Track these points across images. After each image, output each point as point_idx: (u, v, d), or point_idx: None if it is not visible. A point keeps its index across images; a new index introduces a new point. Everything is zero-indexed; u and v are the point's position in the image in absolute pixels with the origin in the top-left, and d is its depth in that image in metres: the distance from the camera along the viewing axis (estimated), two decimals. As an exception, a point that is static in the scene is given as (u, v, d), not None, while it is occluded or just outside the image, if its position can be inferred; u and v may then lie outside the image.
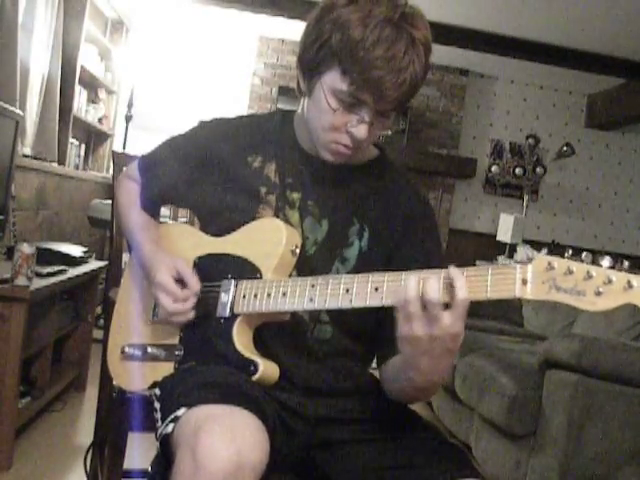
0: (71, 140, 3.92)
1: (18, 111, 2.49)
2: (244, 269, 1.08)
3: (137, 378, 1.15)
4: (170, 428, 0.90)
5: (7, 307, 2.02)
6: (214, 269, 1.11)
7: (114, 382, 1.21)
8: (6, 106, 2.33)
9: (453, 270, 0.86)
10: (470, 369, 2.76)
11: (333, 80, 1.00)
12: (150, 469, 0.97)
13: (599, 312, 0.76)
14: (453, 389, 2.88)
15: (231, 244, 1.12)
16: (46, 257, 2.43)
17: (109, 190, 4.30)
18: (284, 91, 4.93)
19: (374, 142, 1.15)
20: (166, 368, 1.11)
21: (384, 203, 1.15)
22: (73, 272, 2.52)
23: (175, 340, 1.13)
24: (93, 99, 4.53)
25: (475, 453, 2.60)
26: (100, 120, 4.58)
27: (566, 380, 2.16)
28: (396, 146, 4.95)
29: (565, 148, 5.13)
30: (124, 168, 1.63)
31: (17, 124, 2.38)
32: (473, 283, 0.83)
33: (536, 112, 5.44)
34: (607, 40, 4.13)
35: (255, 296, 1.03)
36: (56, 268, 2.40)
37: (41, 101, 3.34)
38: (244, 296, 1.05)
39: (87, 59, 4.04)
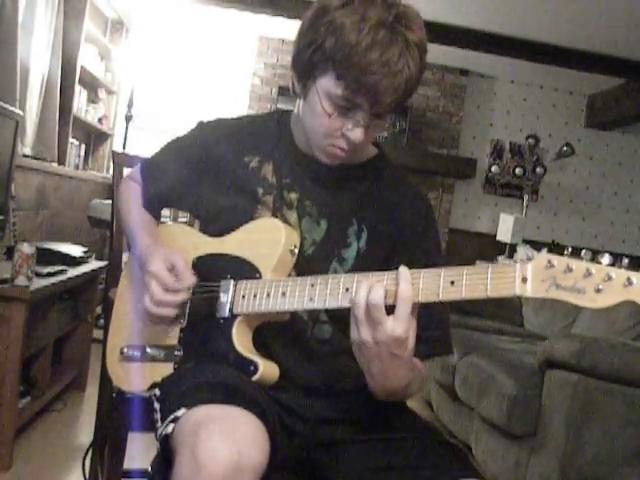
0: (71, 140, 3.92)
1: (18, 111, 2.49)
2: (243, 269, 1.08)
3: (136, 379, 1.15)
4: (170, 428, 0.90)
5: (7, 307, 2.02)
6: (213, 269, 1.11)
7: (113, 383, 1.20)
8: (6, 106, 2.33)
9: (401, 271, 0.87)
10: (470, 369, 2.76)
11: (328, 84, 0.99)
12: (150, 469, 0.97)
13: (599, 309, 0.76)
14: (453, 389, 2.88)
15: (230, 244, 1.12)
16: (46, 257, 2.43)
17: (109, 190, 4.30)
18: (284, 91, 4.93)
19: (372, 142, 1.15)
20: (165, 369, 1.11)
21: (383, 203, 1.14)
22: (73, 272, 2.52)
23: (174, 341, 1.12)
24: (93, 99, 4.53)
25: (475, 453, 2.60)
26: (100, 120, 4.58)
27: (566, 380, 2.16)
28: (396, 146, 4.95)
29: (565, 148, 5.13)
30: (124, 168, 1.64)
31: (17, 124, 2.38)
32: (473, 281, 0.83)
33: (536, 112, 5.44)
34: (607, 40, 4.13)
35: (254, 296, 1.03)
36: (56, 268, 2.40)
37: (41, 101, 3.34)
38: (243, 296, 1.05)
39: (87, 59, 4.04)
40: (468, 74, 5.27)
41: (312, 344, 1.09)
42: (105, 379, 1.53)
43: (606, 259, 0.75)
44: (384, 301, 0.86)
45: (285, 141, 1.16)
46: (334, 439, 1.07)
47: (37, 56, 3.23)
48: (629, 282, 0.73)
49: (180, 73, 5.02)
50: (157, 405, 1.02)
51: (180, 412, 0.90)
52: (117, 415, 1.35)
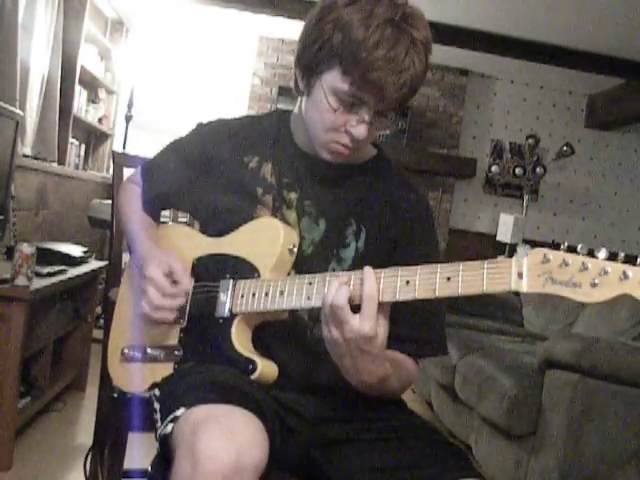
0: (71, 140, 3.92)
1: (18, 111, 2.49)
2: (242, 269, 1.08)
3: (137, 379, 1.15)
4: (169, 428, 0.90)
5: (7, 307, 2.02)
6: (213, 269, 1.12)
7: (114, 383, 1.21)
8: (6, 106, 2.33)
9: (366, 270, 0.89)
10: (470, 369, 2.76)
11: (333, 80, 1.00)
12: (150, 469, 0.97)
13: (595, 304, 0.75)
14: (453, 389, 2.88)
15: (229, 244, 1.12)
16: (46, 257, 2.44)
17: (109, 190, 4.30)
18: (284, 91, 4.93)
19: (372, 142, 1.15)
20: (166, 369, 1.11)
21: (382, 203, 1.15)
22: (73, 272, 2.52)
23: (174, 341, 1.13)
24: (93, 99, 4.53)
25: (475, 453, 2.60)
26: (100, 120, 4.58)
27: (566, 380, 2.16)
28: (396, 146, 4.95)
29: (565, 148, 5.13)
30: (124, 168, 1.63)
31: (17, 124, 2.38)
32: (469, 277, 0.83)
33: (536, 112, 5.44)
34: (607, 40, 4.13)
35: (253, 295, 1.03)
36: (56, 268, 2.40)
37: (41, 101, 3.34)
38: (242, 296, 1.05)
39: (87, 59, 4.04)
40: (468, 74, 5.27)
41: (312, 343, 1.09)
42: (105, 379, 1.53)
43: (602, 253, 0.75)
44: (351, 300, 0.89)
45: (285, 141, 1.17)
46: (334, 438, 1.07)
47: (37, 56, 3.23)
48: (625, 276, 0.73)
49: (180, 73, 5.02)
50: (157, 405, 1.02)
51: (179, 412, 0.90)
52: (117, 415, 1.35)
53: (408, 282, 0.87)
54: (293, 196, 1.13)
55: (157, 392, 1.06)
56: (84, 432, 2.50)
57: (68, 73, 3.70)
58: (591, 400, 2.12)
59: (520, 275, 0.79)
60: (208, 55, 5.06)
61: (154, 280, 1.07)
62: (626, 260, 0.74)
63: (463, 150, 5.33)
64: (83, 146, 4.36)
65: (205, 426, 0.83)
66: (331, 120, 1.02)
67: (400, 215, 1.14)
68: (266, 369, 1.02)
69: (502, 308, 3.94)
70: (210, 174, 1.17)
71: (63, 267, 2.48)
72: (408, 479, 0.96)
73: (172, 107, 4.92)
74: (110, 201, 1.60)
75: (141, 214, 1.27)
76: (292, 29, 4.66)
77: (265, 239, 1.07)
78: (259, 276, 1.06)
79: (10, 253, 2.28)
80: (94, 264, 2.86)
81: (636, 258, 0.73)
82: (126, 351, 1.18)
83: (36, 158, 3.21)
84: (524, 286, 0.78)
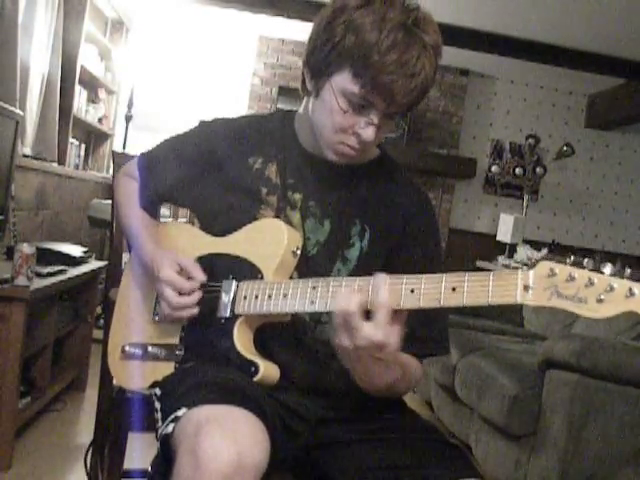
0: (71, 140, 3.92)
1: (18, 111, 2.49)
2: (245, 270, 1.08)
3: (137, 377, 1.15)
4: (170, 428, 0.90)
5: (7, 307, 2.02)
6: (215, 269, 1.11)
7: (114, 381, 1.21)
8: (6, 106, 2.33)
9: (377, 278, 0.88)
10: (470, 369, 2.76)
11: (344, 82, 1.00)
12: (150, 469, 0.97)
13: (601, 319, 0.76)
14: (453, 389, 2.88)
15: (232, 244, 1.12)
16: (46, 257, 2.43)
17: (109, 190, 4.30)
18: (284, 91, 4.93)
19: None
20: (166, 368, 1.11)
21: (386, 203, 1.15)
22: (73, 272, 2.52)
23: (176, 340, 1.13)
24: (93, 99, 4.52)
25: (475, 453, 2.60)
26: (100, 120, 4.57)
27: (566, 380, 2.16)
28: (396, 146, 4.95)
29: (565, 148, 5.13)
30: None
31: (17, 124, 2.38)
32: (474, 288, 0.83)
33: (536, 112, 5.44)
34: (607, 40, 4.13)
35: (256, 297, 1.03)
36: (56, 268, 2.40)
37: (41, 101, 3.34)
38: (245, 297, 1.05)
39: (87, 59, 4.04)
40: (468, 74, 5.27)
41: (313, 345, 1.09)
42: (105, 379, 1.53)
43: (608, 269, 0.75)
44: (364, 308, 0.87)
45: (289, 141, 1.16)
46: (335, 439, 1.07)
47: (37, 56, 3.22)
48: (631, 293, 0.73)
49: (180, 73, 5.02)
50: (158, 405, 1.02)
51: (181, 412, 0.90)
52: (117, 415, 1.35)
53: (413, 290, 0.87)
54: (297, 197, 1.13)
55: (158, 391, 1.06)
56: (84, 432, 2.50)
57: (68, 73, 3.69)
58: (591, 400, 2.12)
59: (526, 288, 0.79)
60: (208, 55, 5.06)
61: (170, 280, 1.08)
62: (632, 275, 0.74)
63: (463, 150, 5.33)
64: (83, 146, 4.36)
65: (207, 427, 0.83)
66: (339, 121, 1.02)
67: (403, 215, 1.14)
68: (268, 372, 1.02)
69: (502, 308, 3.94)
70: (213, 172, 1.17)
71: (63, 267, 2.48)
72: (408, 479, 0.96)
73: (172, 107, 4.92)
74: (110, 201, 1.60)
75: (141, 212, 1.26)
76: (292, 29, 4.67)
77: (269, 240, 1.07)
78: (262, 278, 1.05)
79: (10, 253, 2.28)
80: (94, 264, 2.86)
81: None
82: (127, 348, 1.18)
83: (36, 158, 3.21)
84: (530, 299, 0.78)
